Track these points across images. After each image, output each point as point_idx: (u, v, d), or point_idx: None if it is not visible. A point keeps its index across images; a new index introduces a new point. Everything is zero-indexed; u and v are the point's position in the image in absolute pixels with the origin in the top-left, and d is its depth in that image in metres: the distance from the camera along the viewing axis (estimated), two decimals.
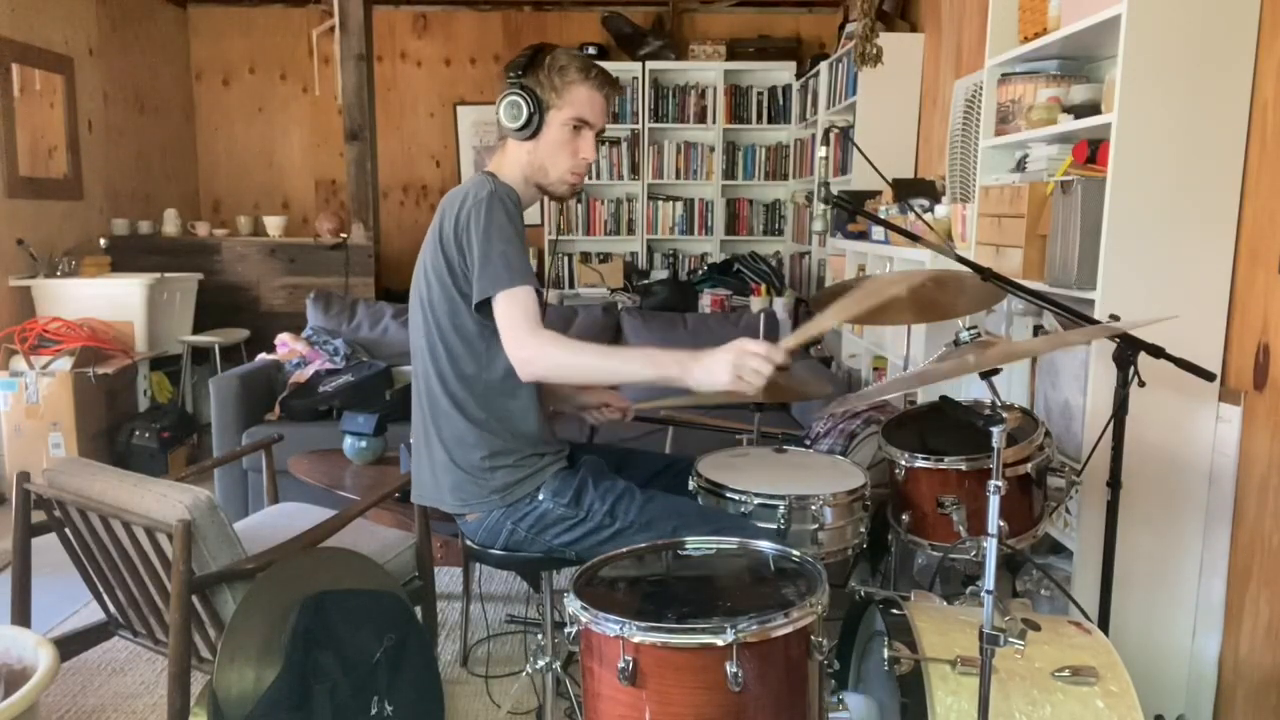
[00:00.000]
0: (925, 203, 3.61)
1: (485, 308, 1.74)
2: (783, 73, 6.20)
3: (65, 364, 4.07)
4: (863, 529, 1.98)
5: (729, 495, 1.92)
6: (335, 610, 1.95)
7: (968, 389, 2.89)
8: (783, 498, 1.88)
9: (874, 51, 4.27)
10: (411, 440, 1.97)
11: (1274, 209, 2.05)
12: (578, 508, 1.81)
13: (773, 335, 4.07)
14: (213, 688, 1.81)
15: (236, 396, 3.59)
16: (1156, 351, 1.79)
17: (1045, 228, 2.40)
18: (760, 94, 6.22)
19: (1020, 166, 2.70)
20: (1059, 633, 1.64)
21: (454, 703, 2.50)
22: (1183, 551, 2.25)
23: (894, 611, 1.65)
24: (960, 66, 4.04)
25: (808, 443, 2.67)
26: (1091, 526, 2.20)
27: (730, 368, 1.60)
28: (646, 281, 5.97)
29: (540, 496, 1.83)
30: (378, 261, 5.39)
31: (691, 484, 2.02)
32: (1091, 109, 2.39)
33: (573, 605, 1.41)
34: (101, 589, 2.22)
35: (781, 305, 5.21)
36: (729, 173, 6.30)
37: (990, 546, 1.36)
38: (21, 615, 2.20)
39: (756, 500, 1.89)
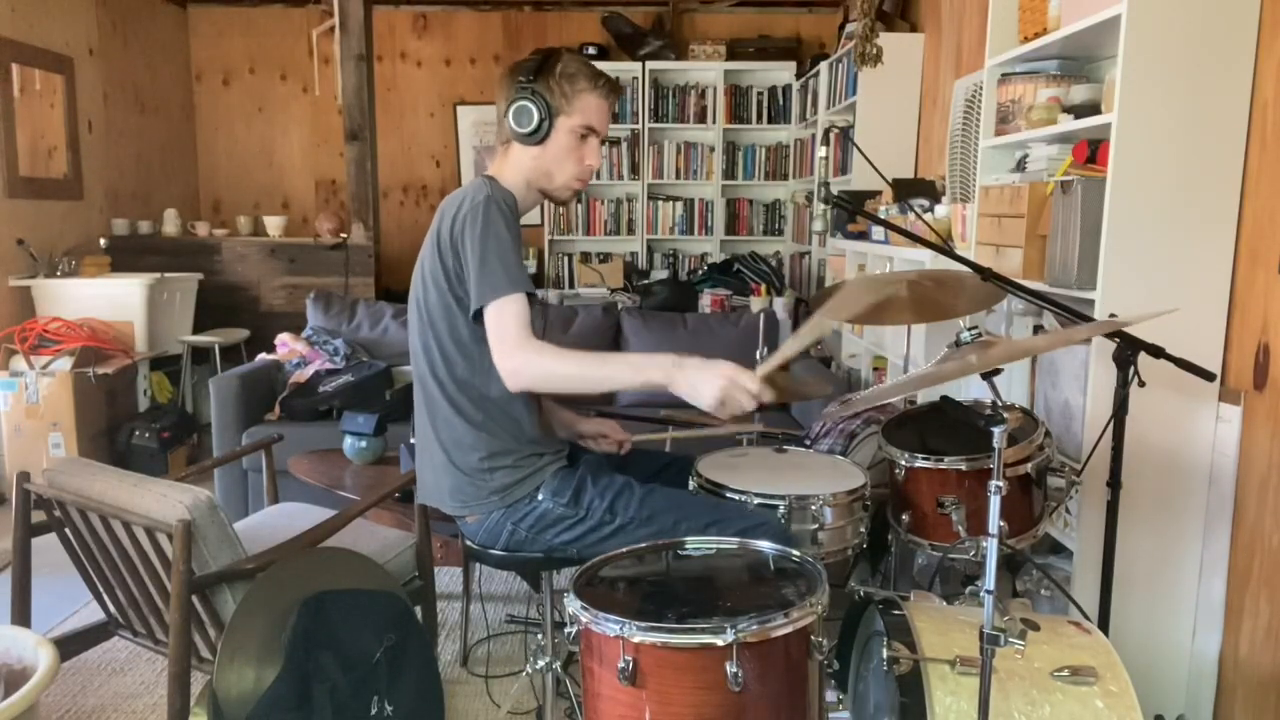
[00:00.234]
0: (925, 203, 3.61)
1: (481, 315, 1.74)
2: (783, 73, 6.21)
3: (65, 364, 4.07)
4: (863, 529, 1.98)
5: (729, 495, 1.92)
6: (335, 610, 1.95)
7: (968, 389, 2.89)
8: (783, 498, 1.88)
9: (874, 51, 4.27)
10: (413, 440, 1.97)
11: (1274, 209, 2.05)
12: (577, 506, 1.81)
13: (773, 335, 4.07)
14: (213, 688, 1.81)
15: (236, 396, 3.59)
16: (1156, 351, 1.79)
17: (1045, 228, 2.40)
18: (760, 94, 6.22)
19: (1020, 166, 2.70)
20: (1058, 633, 1.64)
21: (454, 703, 2.50)
22: (1183, 551, 2.25)
23: (893, 611, 1.65)
24: (960, 66, 4.04)
25: (808, 443, 2.67)
26: (1091, 526, 2.20)
27: (718, 392, 1.61)
28: (646, 281, 5.97)
29: (540, 496, 1.83)
30: (378, 261, 5.39)
31: (691, 484, 2.02)
32: (1091, 109, 2.39)
33: (573, 605, 1.41)
34: (101, 589, 2.22)
35: (781, 305, 5.21)
36: (729, 173, 6.30)
37: (990, 546, 1.36)
38: (21, 615, 2.20)
39: (756, 500, 1.89)
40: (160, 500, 1.93)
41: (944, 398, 2.17)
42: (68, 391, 4.03)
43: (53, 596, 3.02)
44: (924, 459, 1.97)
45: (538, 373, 1.70)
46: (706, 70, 6.15)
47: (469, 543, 1.90)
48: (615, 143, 6.21)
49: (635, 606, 1.43)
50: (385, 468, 2.98)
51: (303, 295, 4.66)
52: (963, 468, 1.94)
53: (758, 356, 2.54)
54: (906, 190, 3.87)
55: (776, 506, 1.87)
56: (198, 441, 4.62)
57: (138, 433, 4.24)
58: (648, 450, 2.19)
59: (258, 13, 6.38)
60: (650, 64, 6.10)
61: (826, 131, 5.12)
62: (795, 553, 1.58)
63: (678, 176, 6.27)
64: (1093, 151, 2.29)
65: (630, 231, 6.36)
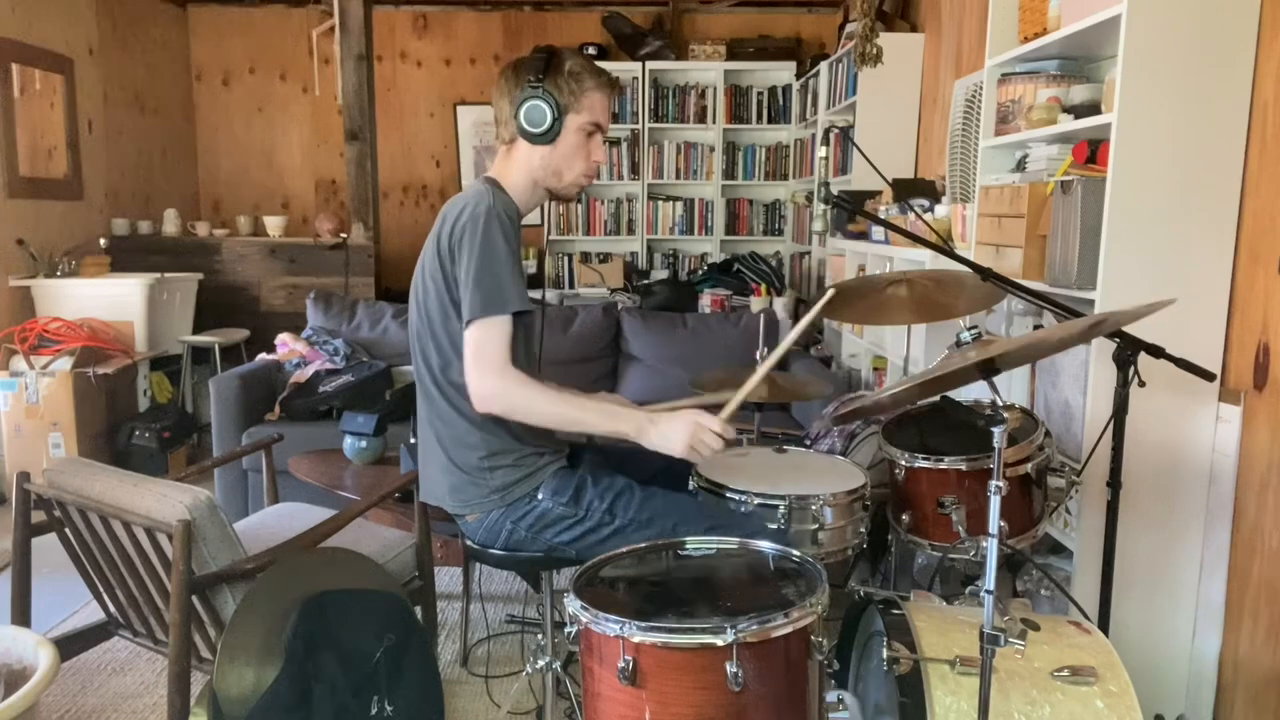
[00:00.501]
0: (925, 203, 3.61)
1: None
2: (783, 73, 6.20)
3: (65, 364, 4.07)
4: (863, 529, 1.98)
5: (729, 495, 1.92)
6: (335, 610, 1.95)
7: (968, 389, 2.89)
8: (783, 498, 1.88)
9: (874, 51, 4.27)
10: (413, 440, 1.97)
11: (1274, 209, 2.05)
12: (577, 506, 1.81)
13: (772, 336, 4.07)
14: (213, 688, 1.81)
15: (236, 396, 3.59)
16: (1156, 351, 1.79)
17: (1045, 228, 2.40)
18: (760, 94, 6.22)
19: (1020, 166, 2.70)
20: (1058, 633, 1.64)
21: (454, 703, 2.50)
22: (1183, 551, 2.25)
23: (893, 611, 1.65)
24: (960, 66, 4.04)
25: (808, 443, 2.67)
26: (1091, 526, 2.20)
27: (686, 438, 1.71)
28: (646, 281, 5.97)
29: (540, 496, 1.83)
30: (378, 261, 5.40)
31: (691, 484, 2.02)
32: (1091, 109, 2.39)
33: (573, 605, 1.41)
34: (101, 589, 2.22)
35: (781, 305, 5.21)
36: (729, 173, 6.30)
37: (990, 546, 1.36)
38: (21, 615, 2.20)
39: (756, 500, 1.89)
40: (160, 500, 1.93)
41: (944, 397, 2.17)
42: (68, 391, 4.03)
43: (53, 596, 3.02)
44: (924, 459, 1.97)
45: (508, 404, 1.73)
46: (706, 70, 6.15)
47: (469, 542, 1.90)
48: (615, 143, 6.21)
49: (635, 606, 1.43)
50: (385, 468, 2.98)
51: (303, 295, 4.66)
52: (963, 468, 1.94)
53: (757, 357, 2.55)
54: (906, 190, 3.87)
55: (776, 506, 1.87)
56: (198, 441, 4.63)
57: (138, 433, 4.24)
58: (648, 450, 2.19)
59: (258, 13, 6.38)
60: (650, 64, 6.10)
61: (826, 131, 5.12)
62: (795, 553, 1.58)
63: (678, 176, 6.27)
64: (1093, 151, 2.29)
65: (630, 231, 6.36)
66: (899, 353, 3.43)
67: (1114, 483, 1.90)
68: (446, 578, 3.31)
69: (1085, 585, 2.20)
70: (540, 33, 6.43)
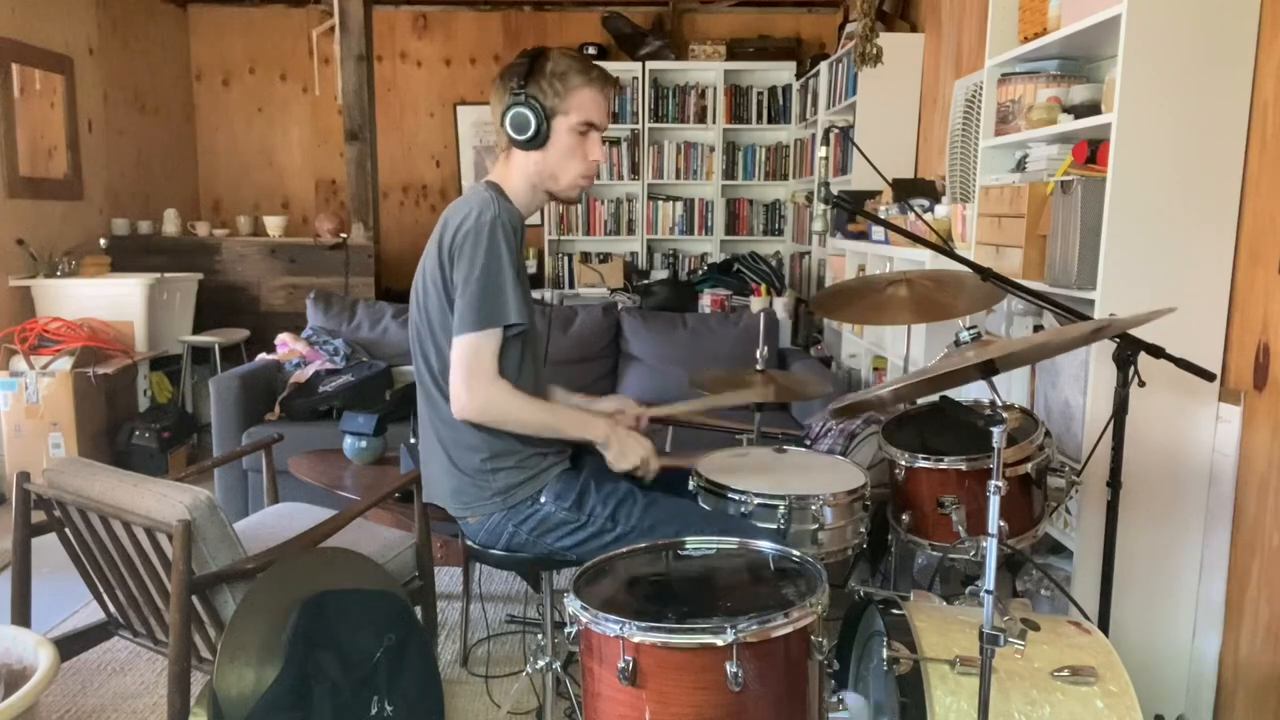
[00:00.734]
0: (925, 203, 3.61)
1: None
2: (783, 73, 6.20)
3: (65, 364, 4.07)
4: (863, 529, 1.98)
5: (729, 495, 1.92)
6: (335, 610, 1.95)
7: (968, 389, 2.89)
8: (783, 498, 1.88)
9: (874, 51, 4.27)
10: (413, 440, 1.97)
11: (1274, 209, 2.05)
12: (580, 512, 1.81)
13: (772, 335, 4.08)
14: (213, 688, 1.81)
15: (236, 396, 3.59)
16: (1156, 351, 1.79)
17: (1045, 228, 2.40)
18: (760, 94, 6.22)
19: (1020, 166, 2.70)
20: (1058, 633, 1.64)
21: (454, 703, 2.50)
22: (1183, 551, 2.25)
23: (893, 611, 1.65)
24: (960, 66, 4.04)
25: (808, 443, 2.67)
26: (1091, 526, 2.20)
27: (638, 460, 1.85)
28: (646, 281, 5.97)
29: (542, 499, 1.83)
30: (378, 261, 5.40)
31: (691, 484, 2.02)
32: (1091, 109, 2.39)
33: (573, 605, 1.41)
34: (101, 589, 2.22)
35: (781, 305, 5.21)
36: (729, 173, 6.30)
37: (990, 546, 1.36)
38: (21, 615, 2.20)
39: (756, 500, 1.89)
40: (160, 500, 1.93)
41: (944, 397, 2.17)
42: (68, 391, 4.03)
43: (53, 596, 3.02)
44: (924, 459, 1.97)
45: (495, 411, 1.75)
46: (706, 70, 6.15)
47: (469, 542, 1.90)
48: (615, 143, 6.21)
49: (635, 606, 1.43)
50: (385, 468, 2.98)
51: (303, 295, 4.66)
52: (963, 468, 1.94)
53: (758, 356, 2.55)
54: (906, 190, 3.87)
55: (776, 506, 1.87)
56: (198, 441, 4.63)
57: (138, 433, 4.24)
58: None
59: (258, 13, 6.38)
60: (650, 64, 6.10)
61: (826, 131, 5.12)
62: (795, 553, 1.58)
63: (678, 176, 6.27)
64: (1093, 151, 2.29)
65: (630, 231, 6.36)
66: (899, 353, 3.43)
67: (1114, 483, 1.90)
68: (446, 578, 3.31)
69: (1085, 585, 2.20)
70: (540, 33, 6.43)
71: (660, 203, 6.31)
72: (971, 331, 1.82)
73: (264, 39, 6.42)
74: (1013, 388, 2.77)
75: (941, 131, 4.22)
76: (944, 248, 2.01)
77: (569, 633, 1.43)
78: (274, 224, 5.49)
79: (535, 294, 1.90)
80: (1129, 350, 1.81)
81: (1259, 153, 2.10)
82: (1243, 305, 2.15)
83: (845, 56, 4.85)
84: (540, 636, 2.06)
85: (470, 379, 1.72)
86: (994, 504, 1.34)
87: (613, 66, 5.99)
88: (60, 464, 2.17)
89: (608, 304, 4.34)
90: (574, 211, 6.31)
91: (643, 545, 1.65)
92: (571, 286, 6.23)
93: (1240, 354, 2.16)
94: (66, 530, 2.17)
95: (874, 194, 4.24)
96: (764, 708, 1.35)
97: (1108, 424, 1.88)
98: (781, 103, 6.22)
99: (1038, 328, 2.64)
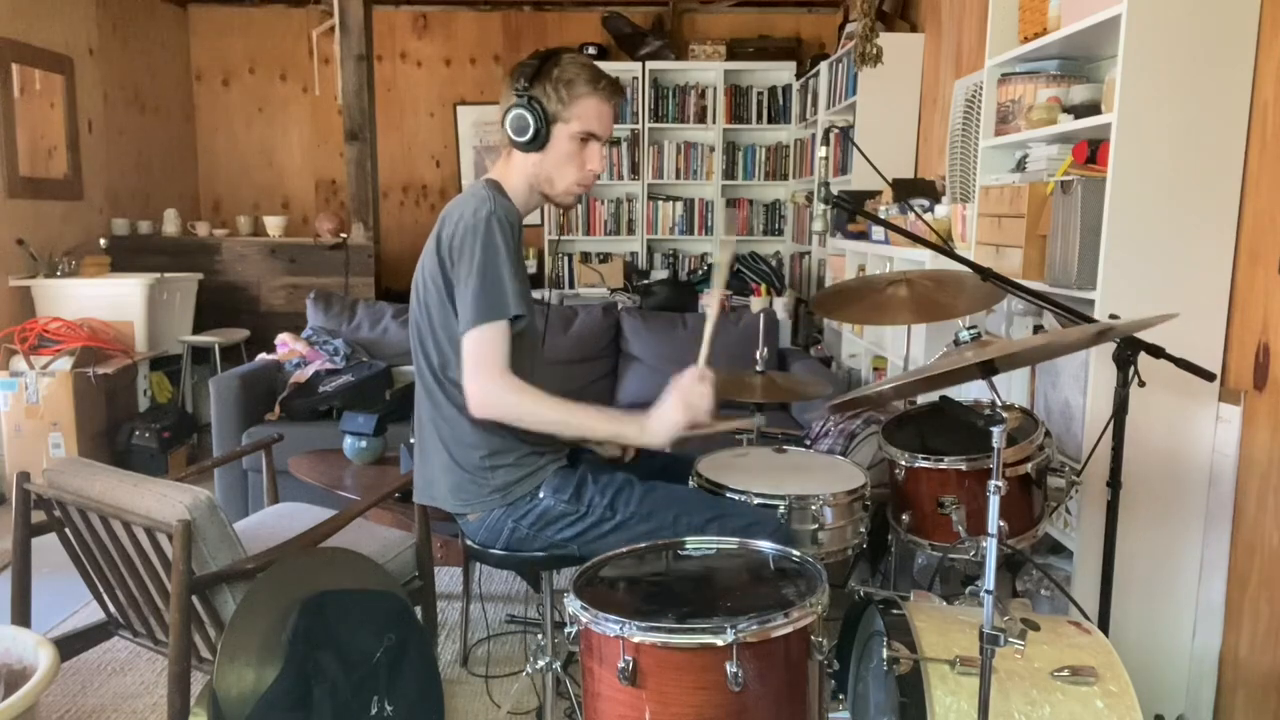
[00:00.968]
0: (925, 203, 3.61)
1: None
2: (783, 73, 6.20)
3: (65, 364, 4.07)
4: (863, 529, 1.98)
5: (729, 495, 1.92)
6: (335, 610, 1.95)
7: (968, 389, 2.89)
8: (783, 498, 1.88)
9: (874, 51, 4.27)
10: (413, 440, 1.97)
11: (1274, 209, 2.05)
12: (578, 503, 1.81)
13: (772, 335, 4.07)
14: (213, 688, 1.81)
15: (236, 396, 3.59)
16: (1156, 351, 1.79)
17: (1045, 228, 2.40)
18: (760, 94, 6.22)
19: (1020, 166, 2.70)
20: (1058, 633, 1.64)
21: (454, 703, 2.50)
22: (1183, 551, 2.25)
23: (893, 611, 1.65)
24: (960, 66, 4.04)
25: (808, 443, 2.67)
26: (1091, 526, 2.20)
27: (678, 406, 1.72)
28: (646, 281, 5.97)
29: (541, 494, 1.83)
30: (378, 261, 5.40)
31: (691, 484, 2.02)
32: (1091, 109, 2.39)
33: (573, 605, 1.41)
34: (101, 589, 2.22)
35: (781, 305, 5.21)
36: (729, 173, 6.30)
37: (990, 546, 1.36)
38: (21, 615, 2.20)
39: (756, 500, 1.89)
40: (160, 500, 1.93)
41: (943, 397, 2.17)
42: (68, 391, 4.03)
43: (53, 596, 3.02)
44: (924, 459, 1.97)
45: (504, 408, 1.72)
46: (706, 70, 6.15)
47: (469, 542, 1.90)
48: (615, 143, 6.21)
49: (635, 606, 1.43)
50: (385, 468, 2.98)
51: (303, 295, 4.66)
52: (963, 468, 1.94)
53: (758, 356, 2.55)
54: (906, 190, 3.87)
55: (776, 506, 1.87)
56: (198, 441, 4.63)
57: (138, 433, 4.24)
58: (647, 450, 2.19)
59: (258, 13, 6.38)
60: (650, 64, 6.10)
61: (826, 131, 5.12)
62: (795, 553, 1.58)
63: (678, 176, 6.27)
64: (1093, 151, 2.29)
65: (630, 231, 6.36)
66: (899, 353, 3.43)
67: (1114, 483, 1.90)
68: (446, 578, 3.31)
69: (1085, 585, 2.20)
70: (540, 33, 6.43)
71: (660, 203, 6.31)
72: (971, 331, 1.82)
73: (264, 39, 6.42)
74: (1013, 388, 2.77)
75: (941, 131, 4.23)
76: (944, 248, 2.01)
77: (569, 633, 1.43)
78: (274, 224, 5.49)
79: (535, 294, 1.89)
80: (1129, 350, 1.81)
81: (1259, 153, 2.10)
82: (1243, 305, 2.15)
83: (845, 56, 4.85)
84: (540, 636, 2.06)
85: (479, 373, 1.71)
86: (994, 504, 1.34)
87: (613, 66, 6.00)
88: (60, 464, 2.17)
89: (608, 304, 4.34)
90: (574, 211, 6.31)
91: (643, 545, 1.65)
92: (571, 286, 6.23)
93: (1240, 354, 2.16)
94: (66, 530, 2.17)
95: (874, 194, 4.24)
96: (764, 708, 1.35)
97: (1108, 424, 1.88)
98: (781, 103, 6.22)
99: (1038, 328, 2.64)
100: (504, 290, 1.72)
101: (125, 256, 5.13)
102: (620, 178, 6.26)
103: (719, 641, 1.30)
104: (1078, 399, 2.32)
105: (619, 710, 1.36)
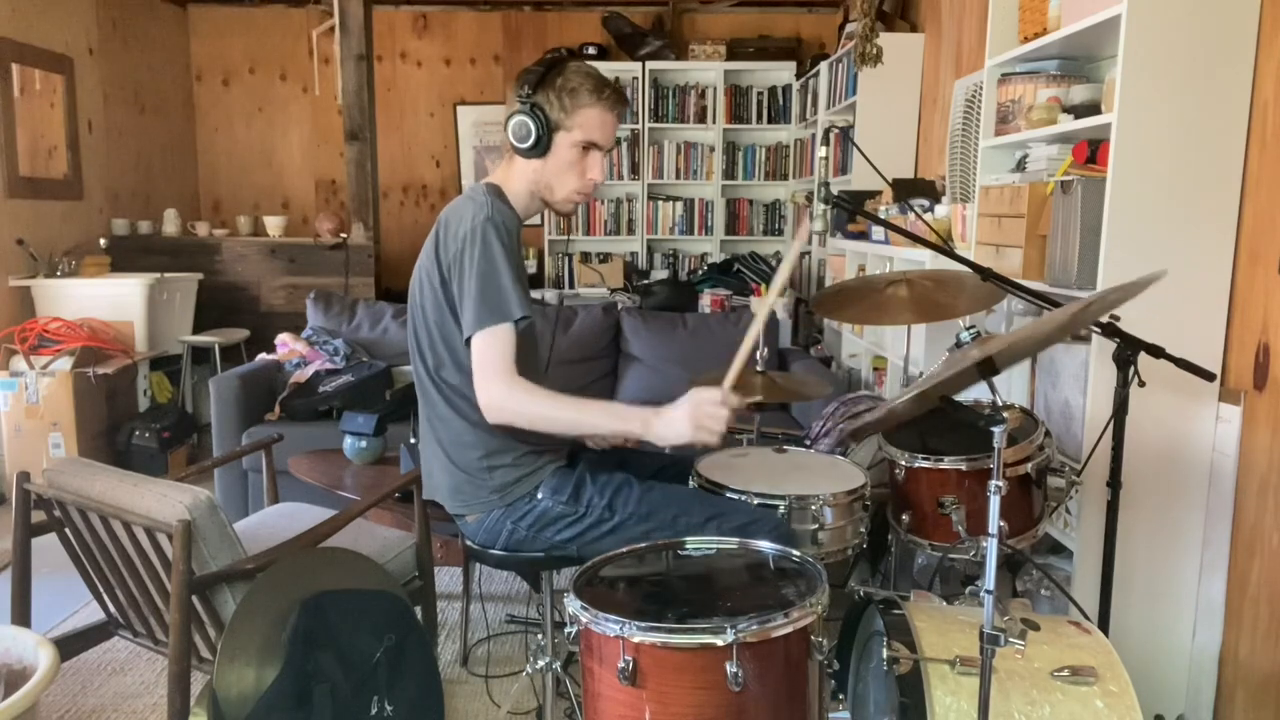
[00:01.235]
0: (925, 203, 3.61)
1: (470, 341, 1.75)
2: (783, 73, 6.20)
3: (65, 364, 4.07)
4: (863, 529, 1.98)
5: (729, 495, 1.92)
6: (335, 610, 1.95)
7: (968, 389, 2.89)
8: (783, 498, 1.88)
9: (874, 51, 4.27)
10: (413, 440, 1.97)
11: (1274, 209, 2.05)
12: (577, 504, 1.81)
13: (772, 335, 4.07)
14: (213, 688, 1.81)
15: (236, 396, 3.59)
16: (1156, 351, 1.79)
17: (1045, 228, 2.40)
18: (760, 94, 6.22)
19: (1020, 166, 2.70)
20: (1058, 633, 1.64)
21: (454, 703, 2.50)
22: (1183, 551, 2.25)
23: (893, 611, 1.65)
24: (960, 66, 4.04)
25: (808, 443, 2.67)
26: (1091, 526, 2.20)
27: (690, 420, 1.66)
28: (646, 281, 5.97)
29: (539, 495, 1.83)
30: (378, 261, 5.40)
31: (691, 483, 2.02)
32: (1091, 109, 2.39)
33: (573, 605, 1.41)
34: (101, 589, 2.22)
35: (781, 305, 5.21)
36: (729, 173, 6.30)
37: (990, 546, 1.36)
38: (21, 615, 2.20)
39: (756, 500, 1.89)
40: (160, 500, 1.93)
41: (943, 397, 2.17)
42: (68, 391, 4.03)
43: (53, 596, 3.02)
44: (924, 459, 1.97)
45: (516, 410, 1.71)
46: (706, 70, 6.15)
47: (469, 542, 1.90)
48: (616, 143, 6.21)
49: (635, 606, 1.43)
50: (385, 468, 2.98)
51: (303, 295, 4.66)
52: (963, 468, 1.94)
53: (758, 356, 2.55)
54: (906, 190, 3.87)
55: (776, 506, 1.87)
56: (198, 441, 4.63)
57: (138, 433, 4.24)
58: (648, 449, 2.19)
59: (258, 13, 6.38)
60: (650, 64, 6.10)
61: (826, 131, 5.12)
62: (795, 553, 1.58)
63: (678, 176, 6.27)
64: (1093, 151, 2.29)
65: (630, 231, 6.36)
66: (899, 353, 3.43)
67: (1114, 483, 1.90)
68: (446, 578, 3.31)
69: (1085, 585, 2.20)
70: (540, 33, 6.43)
71: (660, 203, 6.31)
72: (971, 332, 1.82)
73: (264, 39, 6.42)
74: (1013, 388, 2.77)
75: (941, 131, 4.23)
76: (944, 248, 2.01)
77: (569, 633, 1.43)
78: (274, 224, 5.49)
79: (535, 294, 1.88)
80: (1129, 350, 1.81)
81: (1259, 153, 2.10)
82: (1243, 305, 2.15)
83: (845, 56, 4.85)
84: (540, 636, 2.06)
85: (488, 378, 1.70)
86: (994, 504, 1.34)
87: (613, 66, 6.00)
88: (60, 464, 2.17)
89: (608, 304, 4.34)
90: (574, 212, 6.30)
91: (643, 545, 1.65)
92: (571, 286, 6.23)
93: (1240, 354, 2.16)
94: (66, 530, 2.17)
95: (874, 194, 4.24)
96: (764, 708, 1.35)
97: (1108, 424, 1.88)
98: (781, 103, 6.22)
99: None
100: (505, 294, 1.72)
101: (125, 256, 5.13)
102: (620, 178, 6.27)
103: (719, 641, 1.30)
104: (1078, 399, 2.32)
105: (619, 710, 1.36)
